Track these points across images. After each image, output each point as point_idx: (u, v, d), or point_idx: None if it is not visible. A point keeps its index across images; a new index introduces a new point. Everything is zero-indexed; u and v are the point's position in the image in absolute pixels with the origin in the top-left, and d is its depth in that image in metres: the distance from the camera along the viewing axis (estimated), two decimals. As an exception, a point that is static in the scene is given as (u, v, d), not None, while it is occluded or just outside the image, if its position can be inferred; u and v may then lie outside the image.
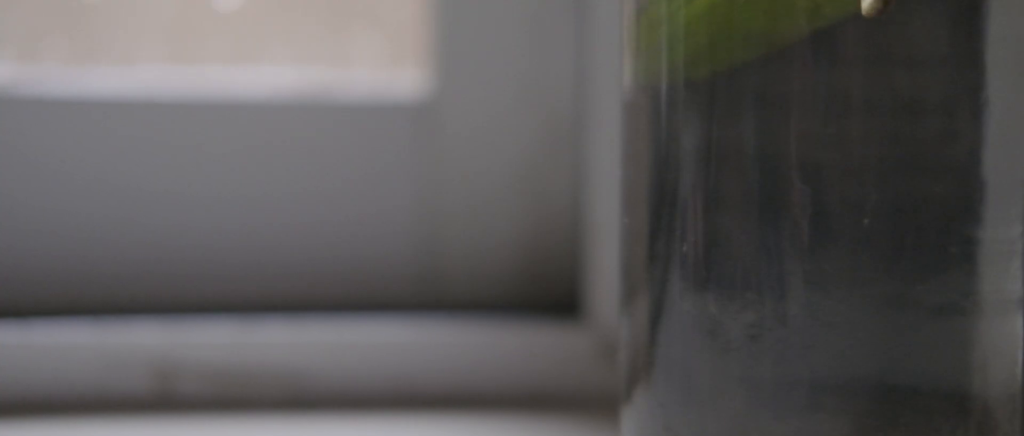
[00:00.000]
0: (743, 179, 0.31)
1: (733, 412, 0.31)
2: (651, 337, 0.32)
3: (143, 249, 0.54)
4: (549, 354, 0.52)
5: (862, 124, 0.30)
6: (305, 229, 0.55)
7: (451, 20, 0.54)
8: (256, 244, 0.55)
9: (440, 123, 0.55)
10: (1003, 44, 0.30)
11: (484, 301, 0.55)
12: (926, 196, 0.30)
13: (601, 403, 0.51)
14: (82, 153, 0.54)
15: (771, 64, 0.30)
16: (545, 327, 0.53)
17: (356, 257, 0.55)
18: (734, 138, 0.31)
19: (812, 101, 0.30)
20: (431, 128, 0.55)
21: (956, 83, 0.30)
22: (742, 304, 0.31)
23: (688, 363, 0.32)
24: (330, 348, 0.52)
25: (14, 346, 0.51)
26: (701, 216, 0.31)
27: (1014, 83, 0.31)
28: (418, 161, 0.55)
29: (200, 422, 0.49)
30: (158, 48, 0.57)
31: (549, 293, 0.55)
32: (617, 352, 0.46)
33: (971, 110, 0.30)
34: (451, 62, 0.54)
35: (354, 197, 0.55)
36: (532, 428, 0.49)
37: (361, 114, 0.55)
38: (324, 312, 0.54)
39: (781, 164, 0.30)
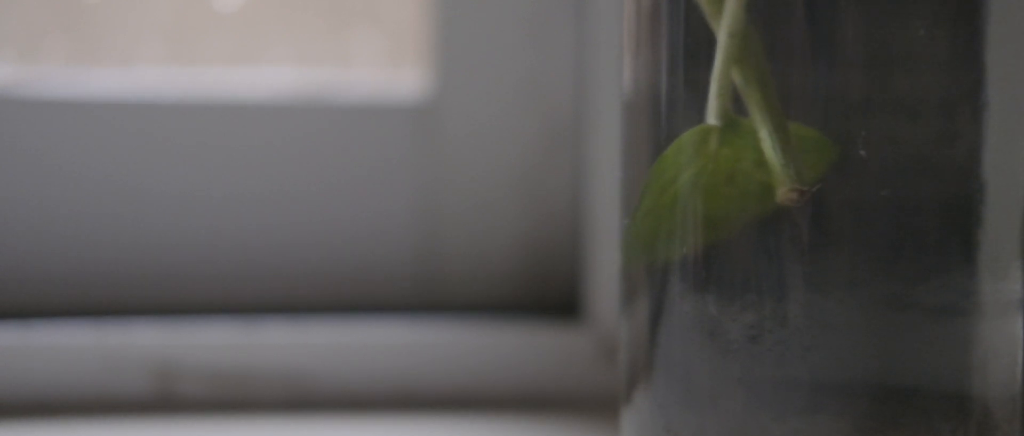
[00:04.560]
0: (743, 180, 0.31)
1: (733, 413, 0.31)
2: (651, 338, 0.32)
3: (143, 249, 0.54)
4: (549, 354, 0.52)
5: (862, 124, 0.30)
6: (305, 229, 0.55)
7: (451, 20, 0.54)
8: (256, 244, 0.55)
9: (440, 123, 0.55)
10: (1003, 44, 0.30)
11: (484, 302, 0.55)
12: (926, 196, 0.30)
13: (601, 404, 0.51)
14: (82, 153, 0.54)
15: (770, 64, 0.30)
16: (545, 327, 0.53)
17: (356, 258, 0.55)
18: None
19: (812, 100, 0.30)
20: (431, 128, 0.55)
21: (956, 83, 0.30)
22: (742, 305, 0.31)
23: (688, 364, 0.32)
24: (330, 349, 0.52)
25: (14, 346, 0.51)
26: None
27: (1014, 83, 0.31)
28: (418, 161, 0.55)
29: (200, 423, 0.49)
30: (158, 48, 0.57)
31: (549, 293, 0.55)
32: (617, 352, 0.46)
33: (971, 110, 0.30)
34: (451, 62, 0.54)
35: (354, 197, 0.55)
36: (532, 429, 0.49)
37: (361, 114, 0.55)
38: (324, 313, 0.54)
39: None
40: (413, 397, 0.51)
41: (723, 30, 0.30)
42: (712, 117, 0.30)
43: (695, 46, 0.31)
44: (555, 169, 0.55)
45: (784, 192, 0.29)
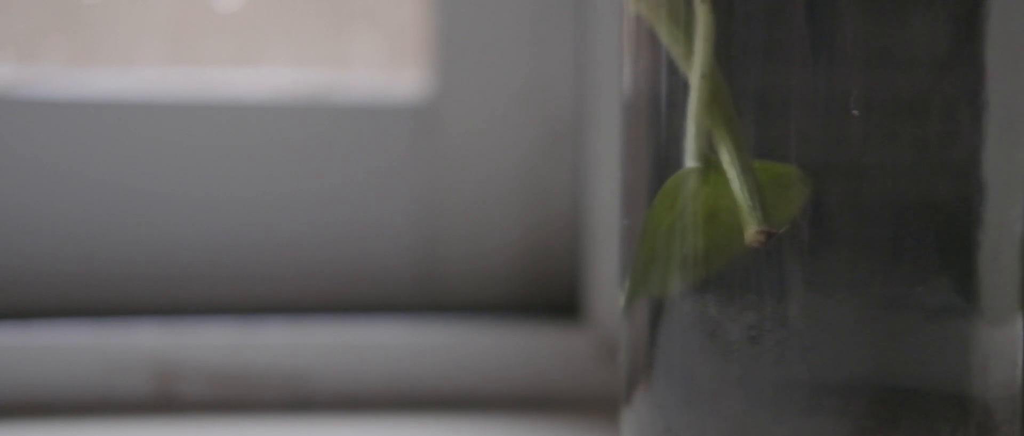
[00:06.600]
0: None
1: (733, 413, 0.31)
2: (651, 338, 0.32)
3: (143, 249, 0.54)
4: (549, 355, 0.52)
5: (862, 124, 0.30)
6: (305, 230, 0.55)
7: (451, 20, 0.54)
8: (256, 244, 0.55)
9: (440, 123, 0.55)
10: (1003, 44, 0.30)
11: (484, 302, 0.55)
12: (926, 196, 0.30)
13: (601, 404, 0.51)
14: (82, 153, 0.54)
15: (771, 65, 0.30)
16: (545, 328, 0.53)
17: (356, 258, 0.55)
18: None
19: (812, 101, 0.30)
20: (431, 129, 0.55)
21: (956, 83, 0.30)
22: (742, 306, 0.31)
23: (688, 364, 0.32)
24: (330, 349, 0.52)
25: (14, 346, 0.51)
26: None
27: (1014, 83, 0.31)
28: (418, 161, 0.55)
29: (200, 423, 0.49)
30: (158, 48, 0.57)
31: (549, 294, 0.55)
32: (617, 352, 0.46)
33: (971, 111, 0.30)
34: (451, 62, 0.54)
35: (354, 198, 0.55)
36: (532, 429, 0.49)
37: (361, 115, 0.55)
38: (324, 313, 0.54)
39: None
40: (413, 397, 0.51)
41: (695, 73, 0.30)
42: (690, 159, 0.31)
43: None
44: (555, 169, 0.55)
45: (751, 234, 0.29)
